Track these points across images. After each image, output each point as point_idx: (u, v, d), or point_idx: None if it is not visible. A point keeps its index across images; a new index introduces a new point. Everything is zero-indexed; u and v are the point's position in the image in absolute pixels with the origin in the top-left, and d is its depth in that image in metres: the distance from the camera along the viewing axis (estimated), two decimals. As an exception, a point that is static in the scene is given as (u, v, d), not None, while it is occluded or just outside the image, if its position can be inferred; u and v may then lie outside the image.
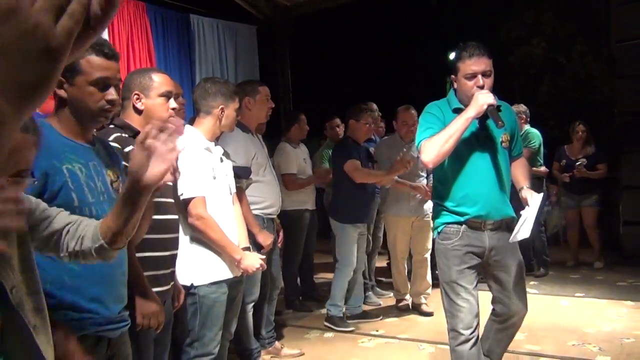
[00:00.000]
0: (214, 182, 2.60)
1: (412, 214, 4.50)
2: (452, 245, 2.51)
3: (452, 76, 2.58)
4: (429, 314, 4.53)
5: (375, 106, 5.15)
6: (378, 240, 5.22)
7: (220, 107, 2.66)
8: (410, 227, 4.54)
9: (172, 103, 2.17)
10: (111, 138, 1.99)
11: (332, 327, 4.18)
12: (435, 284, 5.34)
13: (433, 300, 4.90)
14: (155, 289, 2.04)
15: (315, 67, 9.13)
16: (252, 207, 3.20)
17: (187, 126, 2.69)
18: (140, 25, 5.98)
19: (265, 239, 3.19)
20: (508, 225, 2.57)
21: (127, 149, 1.99)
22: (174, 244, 2.19)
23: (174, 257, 2.21)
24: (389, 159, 4.42)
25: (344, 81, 8.83)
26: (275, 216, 3.48)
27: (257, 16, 7.61)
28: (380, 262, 5.19)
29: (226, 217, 2.62)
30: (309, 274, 5.17)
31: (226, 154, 2.85)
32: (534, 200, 2.49)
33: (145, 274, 1.99)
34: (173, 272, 2.20)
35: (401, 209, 4.50)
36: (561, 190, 6.25)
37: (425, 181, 4.59)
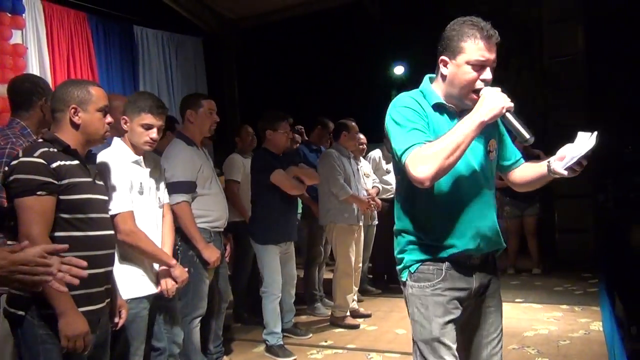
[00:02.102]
0: (142, 197, 2.58)
1: (357, 222, 4.57)
2: (433, 289, 1.88)
3: (443, 57, 1.86)
4: (368, 316, 4.79)
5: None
6: (326, 252, 5.26)
7: (123, 118, 2.60)
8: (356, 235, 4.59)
9: (108, 117, 2.16)
10: (36, 154, 1.93)
11: (274, 357, 3.86)
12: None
13: (381, 307, 4.99)
14: (88, 308, 1.99)
15: (263, 80, 9.15)
16: (199, 220, 3.17)
17: (115, 139, 2.66)
18: (81, 36, 5.84)
19: (211, 254, 3.15)
20: (494, 259, 2.05)
21: (52, 165, 1.95)
22: (109, 260, 2.15)
23: (109, 273, 2.17)
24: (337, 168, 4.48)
25: (292, 94, 8.90)
26: (222, 229, 3.45)
27: (203, 28, 7.57)
28: (328, 274, 5.23)
29: (153, 231, 2.62)
30: (255, 287, 5.13)
31: (159, 166, 2.83)
32: (581, 139, 1.78)
33: (78, 292, 1.92)
34: (108, 290, 2.16)
35: (350, 217, 4.50)
36: (505, 199, 6.42)
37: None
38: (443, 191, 1.86)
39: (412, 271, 1.92)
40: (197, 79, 7.51)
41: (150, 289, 2.60)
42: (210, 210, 3.28)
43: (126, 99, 2.76)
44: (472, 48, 1.80)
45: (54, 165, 1.95)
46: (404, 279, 1.97)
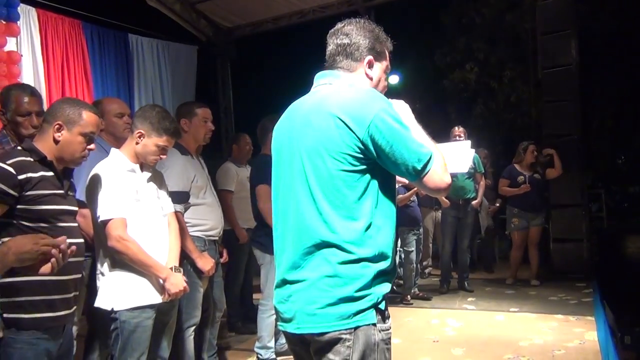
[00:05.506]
0: (138, 204, 2.54)
1: None
2: (390, 324, 1.62)
3: (370, 57, 1.69)
4: None
5: None
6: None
7: (139, 131, 2.58)
8: None
9: (92, 145, 2.16)
10: (9, 162, 1.93)
11: None
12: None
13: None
14: (48, 314, 1.99)
15: (258, 88, 9.17)
16: (193, 229, 3.15)
17: (113, 149, 2.65)
18: (76, 43, 5.84)
19: (205, 263, 3.11)
20: None
21: (20, 176, 1.94)
22: (77, 268, 2.14)
23: (77, 281, 2.17)
24: None
25: (287, 103, 8.94)
26: (217, 238, 3.42)
27: (198, 37, 7.60)
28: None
29: (154, 239, 2.58)
30: (249, 296, 5.11)
31: (161, 176, 2.82)
32: None
33: (38, 298, 1.95)
34: (76, 297, 2.16)
35: None
36: (513, 211, 6.29)
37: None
38: (391, 206, 1.61)
39: (382, 309, 1.54)
40: (189, 87, 7.52)
41: (155, 298, 2.54)
42: (205, 220, 3.26)
43: (143, 113, 2.65)
44: (388, 55, 1.74)
45: (22, 176, 1.94)
46: (367, 323, 1.51)
